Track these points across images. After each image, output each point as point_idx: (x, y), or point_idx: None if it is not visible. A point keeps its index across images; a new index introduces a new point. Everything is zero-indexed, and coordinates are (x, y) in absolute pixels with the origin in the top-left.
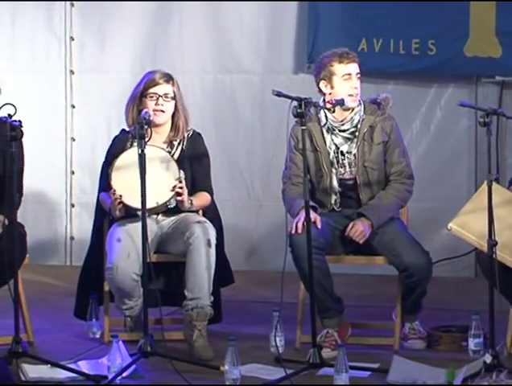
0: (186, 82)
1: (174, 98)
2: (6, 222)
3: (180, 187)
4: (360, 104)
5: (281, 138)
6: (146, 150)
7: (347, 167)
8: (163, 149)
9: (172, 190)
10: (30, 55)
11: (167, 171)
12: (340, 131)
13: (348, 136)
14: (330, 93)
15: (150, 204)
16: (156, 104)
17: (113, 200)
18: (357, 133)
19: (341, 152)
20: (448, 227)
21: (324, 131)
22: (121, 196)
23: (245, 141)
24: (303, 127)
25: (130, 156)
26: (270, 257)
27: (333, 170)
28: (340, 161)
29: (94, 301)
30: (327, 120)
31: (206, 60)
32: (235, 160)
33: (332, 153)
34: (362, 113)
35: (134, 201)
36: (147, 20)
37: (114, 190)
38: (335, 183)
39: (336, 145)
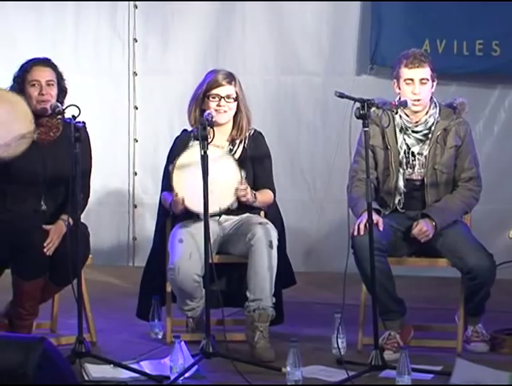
0: (248, 83)
1: (236, 99)
2: (71, 222)
3: (243, 190)
4: (435, 106)
5: (343, 140)
6: (208, 151)
7: (416, 168)
8: (223, 148)
9: (234, 194)
10: (93, 56)
11: (229, 173)
12: (413, 132)
13: (421, 137)
14: (399, 93)
15: (212, 209)
16: (218, 104)
17: (174, 200)
18: (430, 136)
19: (412, 153)
20: (509, 236)
21: (397, 130)
22: (183, 200)
23: (307, 143)
24: (366, 128)
25: (191, 155)
26: (331, 259)
27: (401, 170)
28: (410, 161)
29: (156, 301)
30: (393, 120)
31: (268, 62)
32: (297, 161)
33: (401, 153)
34: (437, 116)
35: (196, 205)
36: (210, 22)
37: (177, 193)
38: (401, 183)
39: (407, 146)
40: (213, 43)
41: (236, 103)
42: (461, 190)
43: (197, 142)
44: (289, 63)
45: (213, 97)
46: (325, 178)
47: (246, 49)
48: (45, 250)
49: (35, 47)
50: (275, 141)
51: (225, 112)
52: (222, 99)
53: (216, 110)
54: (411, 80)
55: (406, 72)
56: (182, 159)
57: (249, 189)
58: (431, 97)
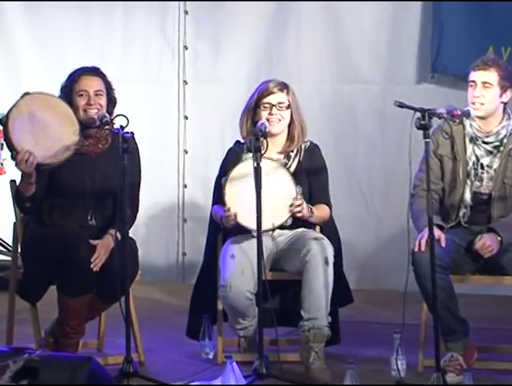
0: (303, 92)
1: (289, 107)
2: (119, 236)
3: (298, 205)
4: (509, 118)
5: (403, 152)
6: (261, 164)
7: (484, 181)
8: (278, 160)
9: (289, 211)
10: (143, 65)
11: (283, 187)
12: (483, 142)
13: (491, 149)
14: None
15: (265, 226)
16: (270, 113)
17: (226, 216)
18: (501, 148)
19: (481, 164)
20: None
21: (467, 140)
22: (235, 215)
23: (365, 155)
24: (427, 140)
25: (245, 168)
26: (390, 276)
27: (468, 182)
28: (479, 174)
29: (207, 320)
30: (464, 129)
31: (324, 69)
32: (354, 174)
33: (470, 164)
34: (510, 128)
35: (248, 220)
36: (263, 28)
37: (229, 208)
38: (467, 196)
39: (476, 157)
40: (267, 49)
41: (289, 111)
42: None
43: (251, 154)
44: (345, 72)
45: (265, 106)
46: (384, 192)
47: (301, 57)
48: (92, 265)
49: (83, 55)
50: (331, 153)
51: (278, 120)
52: (274, 107)
53: (268, 119)
54: (474, 81)
55: (471, 75)
56: (235, 172)
57: (305, 204)
58: (505, 108)
